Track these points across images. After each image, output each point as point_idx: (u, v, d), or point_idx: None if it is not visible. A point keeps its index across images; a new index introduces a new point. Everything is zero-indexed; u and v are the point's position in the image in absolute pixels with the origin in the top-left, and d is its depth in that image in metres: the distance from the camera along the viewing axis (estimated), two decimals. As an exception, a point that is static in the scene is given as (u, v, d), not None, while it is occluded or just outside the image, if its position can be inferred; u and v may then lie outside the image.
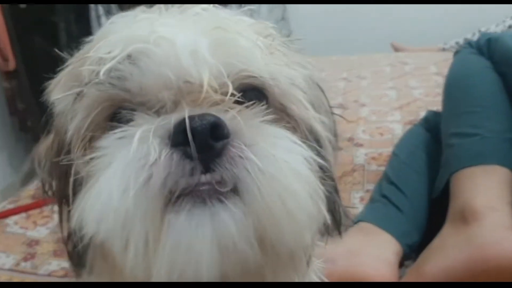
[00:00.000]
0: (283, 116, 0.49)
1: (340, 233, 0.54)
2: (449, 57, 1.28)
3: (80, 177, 0.45)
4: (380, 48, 2.72)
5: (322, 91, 0.55)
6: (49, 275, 0.99)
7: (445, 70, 1.14)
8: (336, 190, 0.53)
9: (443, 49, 2.67)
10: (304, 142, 0.46)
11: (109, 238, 0.41)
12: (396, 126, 1.52)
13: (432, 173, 1.00)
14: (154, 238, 0.40)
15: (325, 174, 0.48)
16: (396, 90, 1.95)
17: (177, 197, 0.40)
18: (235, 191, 0.41)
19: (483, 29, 2.60)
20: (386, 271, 0.85)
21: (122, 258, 0.41)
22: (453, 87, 1.02)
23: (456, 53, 1.12)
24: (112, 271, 0.46)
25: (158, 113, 0.44)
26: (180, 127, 0.40)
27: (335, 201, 0.52)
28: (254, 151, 0.41)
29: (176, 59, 0.44)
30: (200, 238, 0.40)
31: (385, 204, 0.98)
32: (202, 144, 0.40)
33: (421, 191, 0.99)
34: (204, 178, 0.40)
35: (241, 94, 0.46)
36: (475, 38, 1.29)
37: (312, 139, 0.50)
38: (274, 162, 0.42)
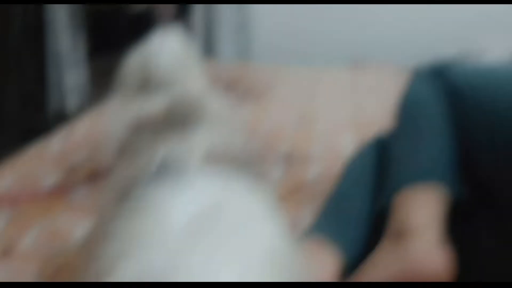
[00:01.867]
0: None
1: None
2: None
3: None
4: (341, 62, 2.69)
5: None
6: None
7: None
8: None
9: None
10: None
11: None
12: (348, 147, 1.49)
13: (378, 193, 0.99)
14: None
15: None
16: (352, 109, 1.92)
17: None
18: None
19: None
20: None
21: None
22: (403, 110, 1.01)
23: (414, 74, 1.09)
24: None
25: None
26: None
27: None
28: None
29: None
30: None
31: (331, 213, 0.97)
32: None
33: (366, 210, 0.99)
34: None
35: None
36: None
37: None
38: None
